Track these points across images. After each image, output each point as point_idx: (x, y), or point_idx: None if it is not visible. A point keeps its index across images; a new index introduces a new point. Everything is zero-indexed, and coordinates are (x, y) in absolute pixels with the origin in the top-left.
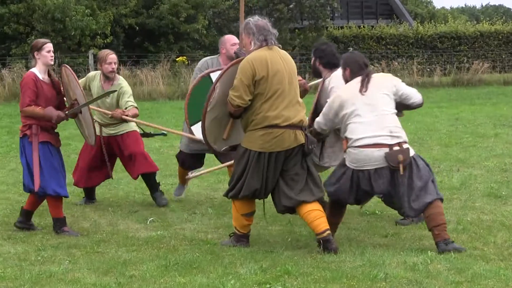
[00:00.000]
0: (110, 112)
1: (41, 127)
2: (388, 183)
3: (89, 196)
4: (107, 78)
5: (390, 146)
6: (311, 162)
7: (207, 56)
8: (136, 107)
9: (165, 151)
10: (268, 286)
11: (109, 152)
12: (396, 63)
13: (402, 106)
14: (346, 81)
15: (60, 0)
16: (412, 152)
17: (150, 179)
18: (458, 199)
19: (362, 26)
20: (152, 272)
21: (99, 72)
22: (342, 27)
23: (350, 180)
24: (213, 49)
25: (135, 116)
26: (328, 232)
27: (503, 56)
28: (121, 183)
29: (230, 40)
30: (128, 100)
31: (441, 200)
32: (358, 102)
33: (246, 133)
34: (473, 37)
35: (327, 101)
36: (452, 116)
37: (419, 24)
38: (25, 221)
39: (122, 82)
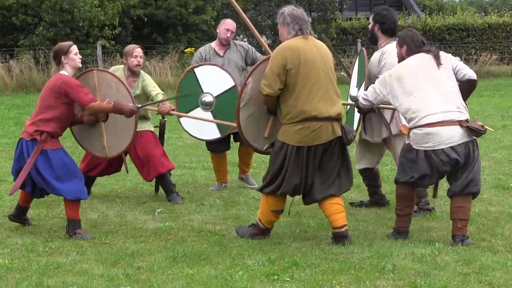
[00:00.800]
0: (156, 109)
1: (52, 136)
2: (463, 157)
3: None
4: (133, 72)
5: (460, 122)
6: (347, 153)
7: None
8: (163, 94)
9: (174, 142)
10: (276, 277)
11: None
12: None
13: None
14: (402, 58)
15: None
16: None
17: (164, 181)
18: None
19: (370, 18)
20: (160, 263)
21: (121, 66)
22: (350, 19)
23: (426, 162)
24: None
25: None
26: (346, 228)
27: (511, 48)
28: (129, 174)
29: (226, 24)
30: (153, 89)
31: (477, 194)
32: (421, 77)
33: (283, 127)
34: (481, 29)
35: (377, 76)
36: None
37: (427, 15)
38: (19, 215)
39: (144, 75)
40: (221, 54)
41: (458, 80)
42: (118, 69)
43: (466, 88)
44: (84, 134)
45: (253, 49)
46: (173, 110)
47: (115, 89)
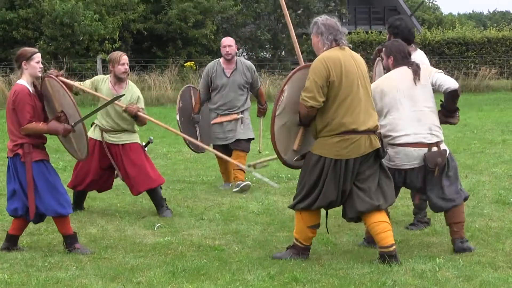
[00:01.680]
0: (124, 105)
1: (33, 145)
2: (422, 180)
3: (78, 203)
4: (119, 80)
5: (429, 145)
6: (384, 165)
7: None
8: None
9: (173, 156)
10: None
11: (103, 165)
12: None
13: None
14: (388, 69)
15: (69, 5)
16: (447, 152)
17: (154, 195)
18: (466, 206)
19: (369, 32)
20: (159, 278)
21: (107, 76)
22: (350, 33)
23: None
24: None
25: (144, 123)
26: (395, 247)
27: (511, 62)
28: (128, 188)
29: (223, 42)
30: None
31: (466, 198)
32: (400, 94)
33: (318, 140)
34: (480, 43)
35: None
36: (459, 122)
37: (426, 30)
38: (11, 246)
39: (133, 88)
40: (228, 75)
41: (443, 93)
42: (103, 79)
43: (451, 98)
44: (62, 137)
45: (256, 73)
46: (140, 111)
47: (62, 94)
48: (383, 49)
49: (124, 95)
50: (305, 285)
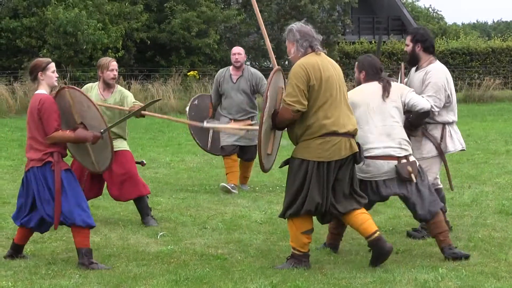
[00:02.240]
0: (127, 108)
1: (62, 155)
2: (392, 191)
3: None
4: (108, 85)
5: (399, 158)
6: (355, 170)
7: (218, 70)
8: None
9: (176, 165)
10: None
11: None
12: (407, 78)
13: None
14: (359, 83)
15: (72, 14)
16: (417, 163)
17: (141, 203)
18: (469, 216)
19: (373, 42)
20: (162, 287)
21: (96, 83)
22: (353, 43)
23: (363, 189)
24: (224, 64)
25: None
26: (378, 232)
27: None
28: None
29: (233, 50)
30: (134, 101)
31: (443, 209)
32: (370, 109)
33: (300, 144)
34: (484, 53)
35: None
36: (463, 132)
37: None
38: (16, 254)
39: (121, 88)
40: (234, 80)
41: (415, 113)
42: (92, 86)
43: (421, 116)
44: (76, 148)
45: (263, 80)
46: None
47: (86, 106)
48: (356, 63)
49: (160, 99)
50: None
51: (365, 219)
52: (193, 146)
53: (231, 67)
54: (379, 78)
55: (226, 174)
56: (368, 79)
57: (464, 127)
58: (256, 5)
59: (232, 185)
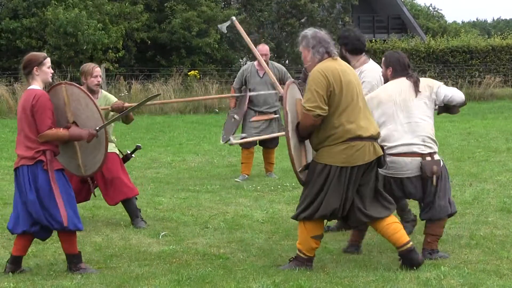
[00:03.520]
0: (110, 106)
1: (54, 153)
2: (419, 189)
3: None
4: (92, 91)
5: (423, 155)
6: (381, 175)
7: (219, 70)
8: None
9: (177, 165)
10: None
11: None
12: None
13: (444, 109)
14: (386, 80)
15: (72, 15)
16: (441, 163)
17: (129, 205)
18: (471, 214)
19: (373, 40)
20: (164, 287)
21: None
22: None
23: (384, 187)
24: (225, 63)
25: (131, 118)
26: (411, 243)
27: None
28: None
29: (259, 50)
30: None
31: (452, 214)
32: (396, 106)
33: (322, 149)
34: (484, 51)
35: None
36: (464, 130)
37: (431, 38)
38: (16, 268)
39: (106, 93)
40: (261, 75)
41: (450, 105)
42: None
43: (458, 107)
44: (61, 150)
45: (287, 73)
46: (124, 104)
47: (84, 104)
48: (382, 59)
49: (160, 94)
50: None
51: (397, 229)
52: (194, 146)
53: (255, 63)
54: (407, 74)
55: (242, 163)
56: (395, 75)
57: (465, 125)
58: (243, 31)
59: (246, 176)
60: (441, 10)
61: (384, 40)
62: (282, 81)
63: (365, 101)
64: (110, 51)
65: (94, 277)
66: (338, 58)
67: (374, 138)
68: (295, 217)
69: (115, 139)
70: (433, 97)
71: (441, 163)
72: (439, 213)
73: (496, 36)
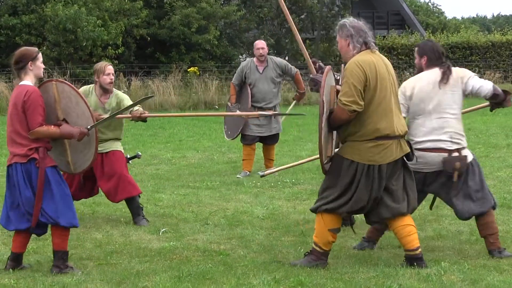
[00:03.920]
0: (130, 115)
1: (47, 150)
2: (440, 185)
3: None
4: (105, 90)
5: (450, 151)
6: (410, 168)
7: (218, 66)
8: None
9: (177, 162)
10: None
11: (86, 174)
12: (408, 73)
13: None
14: (420, 70)
15: (72, 11)
16: (470, 158)
17: (133, 203)
18: None
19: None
20: (165, 283)
21: (91, 86)
22: None
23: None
24: (224, 60)
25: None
26: (420, 250)
27: None
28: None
29: (256, 45)
30: (128, 102)
31: (495, 207)
32: (427, 100)
33: (349, 144)
34: (484, 47)
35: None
36: (464, 126)
37: (430, 34)
38: (17, 265)
39: (117, 92)
40: (260, 71)
41: (483, 97)
42: (89, 91)
43: (493, 98)
44: (52, 145)
45: (288, 64)
46: (144, 113)
47: (75, 102)
48: (416, 48)
49: (153, 96)
50: None
51: (411, 232)
52: (194, 142)
53: (254, 59)
54: (442, 63)
55: (243, 160)
56: (430, 64)
57: (465, 121)
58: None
59: (247, 172)
60: (440, 6)
61: (384, 36)
62: (286, 75)
63: (398, 98)
64: (109, 47)
65: (94, 274)
66: (376, 51)
67: (401, 136)
68: (315, 210)
69: (122, 138)
70: (463, 88)
71: (470, 158)
72: (477, 207)
73: (496, 32)
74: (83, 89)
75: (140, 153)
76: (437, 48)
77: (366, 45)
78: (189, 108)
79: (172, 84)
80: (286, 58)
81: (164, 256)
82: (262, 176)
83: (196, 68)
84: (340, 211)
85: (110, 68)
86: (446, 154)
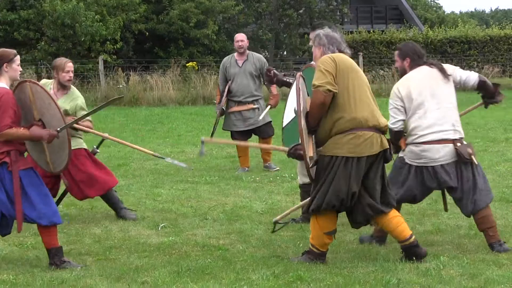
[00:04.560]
0: (104, 134)
1: (20, 153)
2: (454, 176)
3: None
4: (63, 86)
5: (454, 141)
6: (385, 168)
7: (217, 61)
8: (90, 121)
9: (176, 157)
10: None
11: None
12: None
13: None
14: (403, 72)
15: (70, 6)
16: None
17: (107, 199)
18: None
19: (371, 31)
20: (164, 278)
21: (50, 81)
22: (352, 32)
23: (416, 178)
24: (223, 54)
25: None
26: (414, 237)
27: None
28: (132, 189)
29: (236, 37)
30: (82, 106)
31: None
32: (426, 93)
33: (330, 140)
34: (483, 42)
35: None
36: (462, 120)
37: (429, 28)
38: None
39: (75, 92)
40: (240, 64)
41: (471, 88)
42: (47, 83)
43: (483, 87)
44: (32, 145)
45: (266, 63)
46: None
47: (47, 103)
48: (396, 52)
49: (122, 97)
50: (309, 284)
51: (399, 223)
52: (193, 137)
53: (235, 54)
54: (425, 62)
55: (239, 157)
56: (414, 64)
57: (462, 116)
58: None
59: (246, 169)
60: (438, 0)
61: (382, 31)
62: (260, 71)
63: (374, 97)
64: (108, 42)
65: (93, 269)
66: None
67: (382, 130)
68: (305, 211)
69: (82, 135)
70: (455, 79)
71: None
72: (485, 198)
73: (494, 26)
74: (43, 81)
75: (97, 150)
76: (418, 48)
77: (339, 51)
78: (188, 103)
79: (171, 79)
80: (284, 53)
81: (163, 251)
82: (275, 222)
83: (195, 63)
84: (324, 207)
85: (70, 66)
86: (451, 145)
